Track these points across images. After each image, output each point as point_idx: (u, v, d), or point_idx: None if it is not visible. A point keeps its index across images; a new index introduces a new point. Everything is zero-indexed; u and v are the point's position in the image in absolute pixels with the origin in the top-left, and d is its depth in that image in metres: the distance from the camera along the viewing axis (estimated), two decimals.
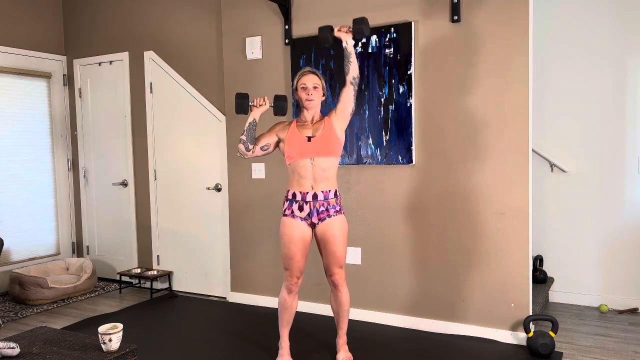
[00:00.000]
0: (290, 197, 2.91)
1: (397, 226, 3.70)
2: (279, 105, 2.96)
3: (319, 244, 2.96)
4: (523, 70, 3.25)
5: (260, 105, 2.92)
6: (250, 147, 2.91)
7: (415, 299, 3.68)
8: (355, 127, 3.74)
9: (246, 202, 4.30)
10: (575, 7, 4.07)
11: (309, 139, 2.86)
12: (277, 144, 2.99)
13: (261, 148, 2.95)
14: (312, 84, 2.89)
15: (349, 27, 2.88)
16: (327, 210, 2.89)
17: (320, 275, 4.00)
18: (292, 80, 3.97)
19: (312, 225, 2.92)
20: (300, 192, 2.88)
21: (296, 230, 2.88)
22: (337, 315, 3.07)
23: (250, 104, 2.92)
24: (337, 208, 2.92)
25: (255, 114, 2.91)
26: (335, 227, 2.89)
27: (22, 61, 4.97)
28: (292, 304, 3.01)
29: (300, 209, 2.88)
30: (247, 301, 4.35)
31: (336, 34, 2.88)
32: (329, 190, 2.90)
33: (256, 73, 4.18)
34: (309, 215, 2.89)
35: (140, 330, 3.74)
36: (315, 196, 2.86)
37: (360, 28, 2.82)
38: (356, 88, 2.91)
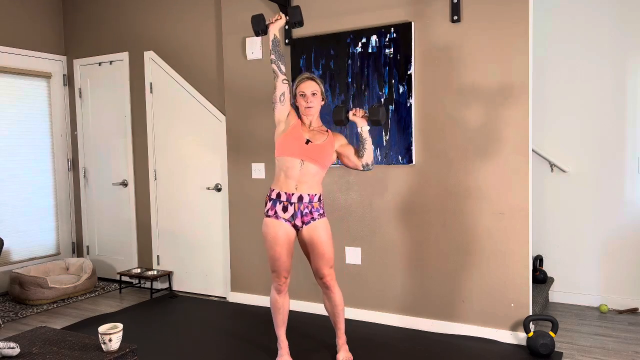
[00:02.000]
0: (274, 196, 2.89)
1: (397, 226, 3.70)
2: (294, 15, 2.95)
3: (306, 248, 2.96)
4: (523, 70, 3.25)
5: (276, 20, 2.93)
6: (282, 67, 2.90)
7: (415, 299, 3.68)
8: (356, 127, 3.74)
9: (246, 202, 4.30)
10: (575, 7, 4.07)
11: (308, 141, 2.87)
12: (281, 118, 2.95)
13: (282, 94, 2.91)
14: (311, 91, 2.89)
15: (365, 112, 2.91)
16: (310, 213, 2.88)
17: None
18: (292, 84, 3.97)
19: (295, 227, 2.92)
20: (286, 193, 2.87)
21: (280, 230, 2.87)
22: (333, 315, 3.07)
23: (267, 23, 2.94)
24: (321, 211, 2.93)
25: (273, 30, 2.92)
26: (321, 230, 2.90)
27: (22, 61, 4.97)
28: (283, 303, 3.01)
29: (285, 209, 2.87)
30: (247, 301, 4.35)
31: (351, 117, 2.92)
32: (315, 194, 2.89)
33: (256, 73, 4.18)
34: (293, 216, 2.88)
35: (140, 330, 3.74)
36: (300, 198, 2.86)
37: (377, 120, 2.85)
38: (364, 171, 2.96)
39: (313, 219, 2.89)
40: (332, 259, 2.96)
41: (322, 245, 2.90)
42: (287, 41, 4.01)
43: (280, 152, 2.88)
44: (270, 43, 2.90)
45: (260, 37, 4.13)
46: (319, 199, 2.93)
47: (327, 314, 3.14)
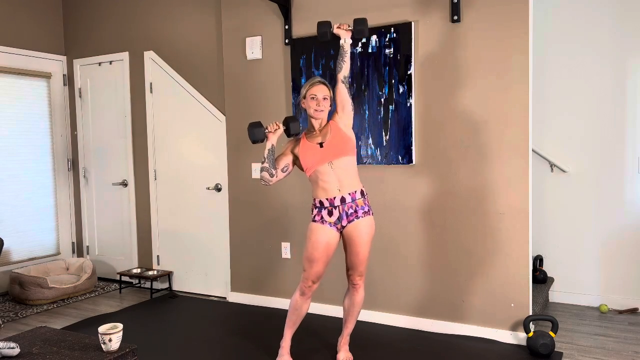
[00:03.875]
0: (318, 204, 2.89)
1: (397, 226, 3.70)
2: (292, 126, 2.92)
3: (344, 243, 2.95)
4: (523, 70, 3.25)
5: (275, 130, 2.89)
6: (274, 172, 2.89)
7: (416, 299, 3.68)
8: (355, 127, 3.74)
9: (246, 202, 4.30)
10: (575, 7, 4.07)
11: (321, 145, 2.85)
12: (294, 162, 2.98)
13: (282, 170, 2.93)
14: (323, 95, 2.88)
15: (349, 26, 2.89)
16: (355, 212, 2.86)
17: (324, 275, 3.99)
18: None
19: (342, 229, 2.90)
20: (327, 199, 2.86)
21: (322, 236, 2.86)
22: (347, 314, 3.06)
23: (265, 131, 2.89)
24: (366, 209, 2.90)
25: (272, 140, 2.89)
26: (361, 229, 2.87)
27: (22, 61, 4.97)
28: (302, 305, 3.00)
29: (330, 213, 2.86)
30: (247, 301, 4.35)
31: (335, 30, 2.89)
32: (355, 191, 2.87)
33: (256, 73, 4.18)
34: (339, 219, 2.87)
35: (140, 330, 3.74)
36: (342, 200, 2.85)
37: (361, 29, 2.84)
38: (347, 86, 2.91)
39: (357, 217, 2.87)
40: (365, 260, 2.94)
41: (359, 244, 2.89)
42: (287, 41, 4.01)
43: (309, 169, 2.88)
44: (267, 151, 2.87)
45: (260, 37, 4.13)
46: (362, 195, 2.90)
47: (342, 312, 3.13)
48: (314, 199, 2.92)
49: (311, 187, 2.97)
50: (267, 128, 2.89)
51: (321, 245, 2.86)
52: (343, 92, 2.91)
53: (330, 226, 2.87)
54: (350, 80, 2.94)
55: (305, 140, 2.91)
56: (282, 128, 2.90)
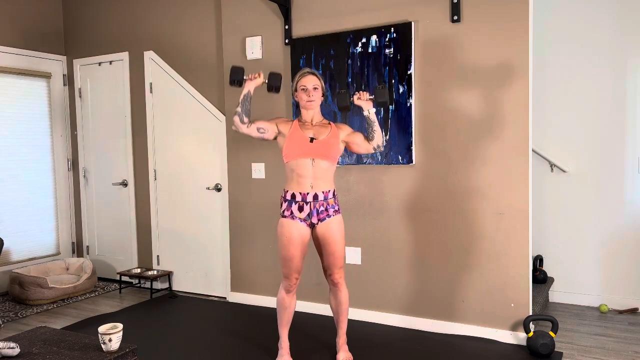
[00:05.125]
0: (289, 197, 2.90)
1: (397, 226, 3.70)
2: (273, 79, 2.94)
3: (318, 244, 2.96)
4: (523, 70, 3.25)
5: (254, 79, 2.91)
6: (245, 120, 2.87)
7: (415, 298, 3.68)
8: (356, 127, 3.74)
9: (246, 202, 4.30)
10: (575, 7, 4.07)
11: (312, 140, 2.87)
12: (275, 136, 2.97)
13: (258, 129, 2.91)
14: (312, 85, 2.90)
15: (370, 95, 2.90)
16: (326, 210, 2.89)
17: (320, 275, 4.00)
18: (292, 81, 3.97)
19: (311, 225, 2.92)
20: (300, 193, 2.87)
21: (295, 231, 2.88)
22: (337, 314, 3.08)
23: (244, 77, 2.92)
24: (336, 208, 2.93)
25: (249, 86, 2.90)
26: (334, 228, 2.90)
27: (22, 61, 4.97)
28: (290, 303, 3.01)
29: (300, 209, 2.88)
30: (247, 301, 4.35)
31: (356, 102, 2.90)
32: (329, 191, 2.90)
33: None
34: (309, 215, 2.89)
35: (140, 330, 3.74)
36: (315, 196, 2.87)
37: (383, 102, 2.86)
38: (373, 151, 2.95)
39: (328, 215, 2.89)
40: (342, 258, 2.96)
41: (334, 244, 2.91)
42: (287, 41, 4.01)
43: (289, 157, 2.89)
44: (242, 96, 2.88)
45: (260, 37, 4.13)
46: (334, 195, 2.93)
47: (332, 313, 3.14)
48: (286, 191, 2.92)
49: (285, 176, 2.97)
50: (247, 76, 2.93)
51: (296, 241, 2.88)
52: (365, 149, 2.94)
53: (300, 221, 2.88)
54: (382, 148, 2.96)
55: (298, 127, 2.92)
56: (261, 79, 2.93)
